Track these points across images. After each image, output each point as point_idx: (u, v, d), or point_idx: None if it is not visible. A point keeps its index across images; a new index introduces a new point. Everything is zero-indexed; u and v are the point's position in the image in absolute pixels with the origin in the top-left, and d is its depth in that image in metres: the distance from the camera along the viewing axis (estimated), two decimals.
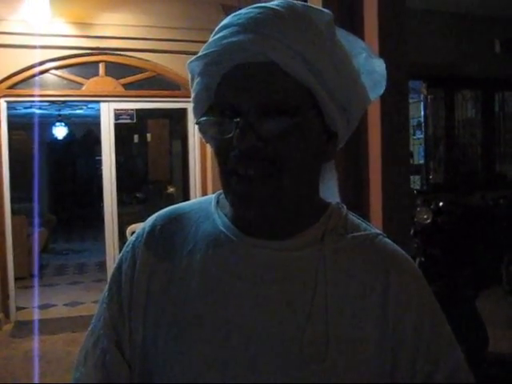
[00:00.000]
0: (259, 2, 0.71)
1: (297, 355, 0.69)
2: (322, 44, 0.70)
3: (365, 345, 0.71)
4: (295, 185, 0.71)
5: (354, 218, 0.81)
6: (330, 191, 0.83)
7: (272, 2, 0.71)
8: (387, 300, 0.73)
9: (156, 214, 0.84)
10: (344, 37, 0.77)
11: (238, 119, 0.67)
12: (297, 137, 0.68)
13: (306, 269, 0.73)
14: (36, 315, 5.14)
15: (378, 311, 0.72)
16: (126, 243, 0.83)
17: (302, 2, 0.72)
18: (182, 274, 0.76)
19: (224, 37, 0.69)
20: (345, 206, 0.82)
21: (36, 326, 4.74)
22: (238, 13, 0.71)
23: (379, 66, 0.82)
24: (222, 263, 0.75)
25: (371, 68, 0.81)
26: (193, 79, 0.76)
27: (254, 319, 0.71)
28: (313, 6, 0.73)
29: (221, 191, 0.80)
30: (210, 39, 0.73)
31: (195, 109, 0.77)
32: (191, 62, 0.74)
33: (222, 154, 0.71)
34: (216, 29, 0.73)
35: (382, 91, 0.83)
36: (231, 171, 0.70)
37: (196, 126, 0.76)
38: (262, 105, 0.67)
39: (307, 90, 0.69)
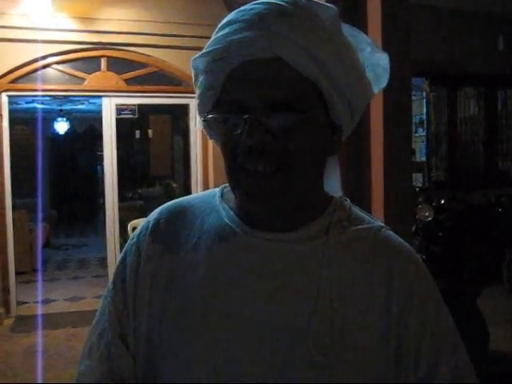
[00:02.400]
0: None
1: (302, 347, 0.70)
2: (328, 39, 0.70)
3: (370, 336, 0.72)
4: (303, 179, 0.71)
5: (357, 211, 0.82)
6: (333, 185, 0.84)
7: None
8: (391, 291, 0.73)
9: (160, 208, 0.84)
10: (349, 31, 0.77)
11: (247, 115, 0.67)
12: (304, 131, 0.69)
13: (310, 261, 0.73)
14: (37, 310, 5.14)
15: (382, 302, 0.73)
16: (131, 236, 0.83)
17: None
18: (187, 267, 0.76)
19: (229, 33, 0.69)
20: (348, 200, 0.82)
21: (37, 320, 4.75)
22: (242, 9, 0.71)
23: (383, 59, 0.82)
24: (228, 255, 0.75)
25: (375, 62, 0.82)
26: (197, 77, 0.76)
27: (259, 311, 0.71)
28: (317, 0, 0.72)
29: (225, 185, 0.80)
30: (214, 36, 0.72)
31: (200, 106, 0.77)
32: (195, 59, 0.74)
33: (229, 150, 0.71)
34: (219, 25, 0.73)
35: (384, 84, 0.83)
36: (240, 167, 0.70)
37: (198, 122, 0.76)
38: (269, 100, 0.67)
39: (313, 85, 0.69)
